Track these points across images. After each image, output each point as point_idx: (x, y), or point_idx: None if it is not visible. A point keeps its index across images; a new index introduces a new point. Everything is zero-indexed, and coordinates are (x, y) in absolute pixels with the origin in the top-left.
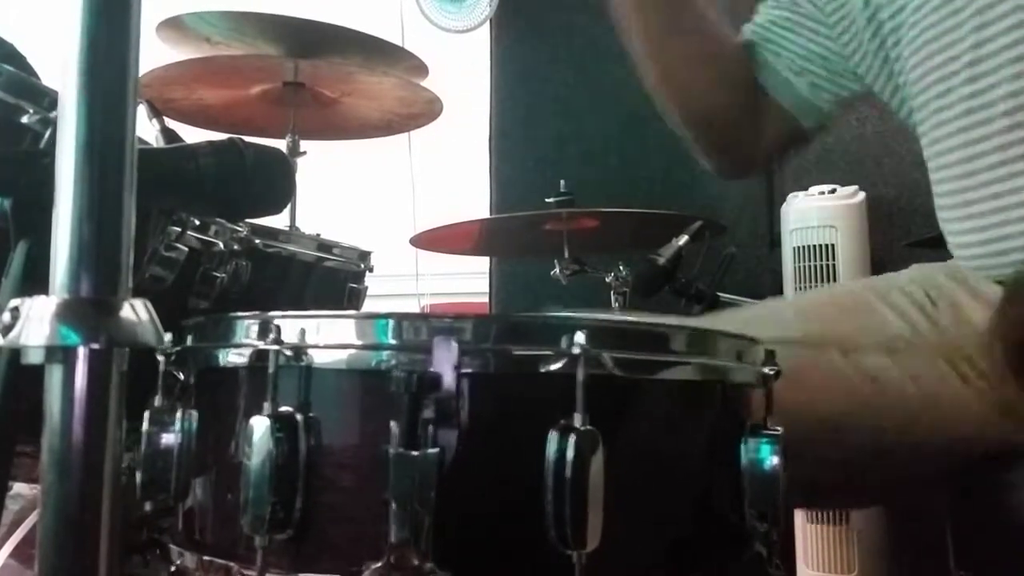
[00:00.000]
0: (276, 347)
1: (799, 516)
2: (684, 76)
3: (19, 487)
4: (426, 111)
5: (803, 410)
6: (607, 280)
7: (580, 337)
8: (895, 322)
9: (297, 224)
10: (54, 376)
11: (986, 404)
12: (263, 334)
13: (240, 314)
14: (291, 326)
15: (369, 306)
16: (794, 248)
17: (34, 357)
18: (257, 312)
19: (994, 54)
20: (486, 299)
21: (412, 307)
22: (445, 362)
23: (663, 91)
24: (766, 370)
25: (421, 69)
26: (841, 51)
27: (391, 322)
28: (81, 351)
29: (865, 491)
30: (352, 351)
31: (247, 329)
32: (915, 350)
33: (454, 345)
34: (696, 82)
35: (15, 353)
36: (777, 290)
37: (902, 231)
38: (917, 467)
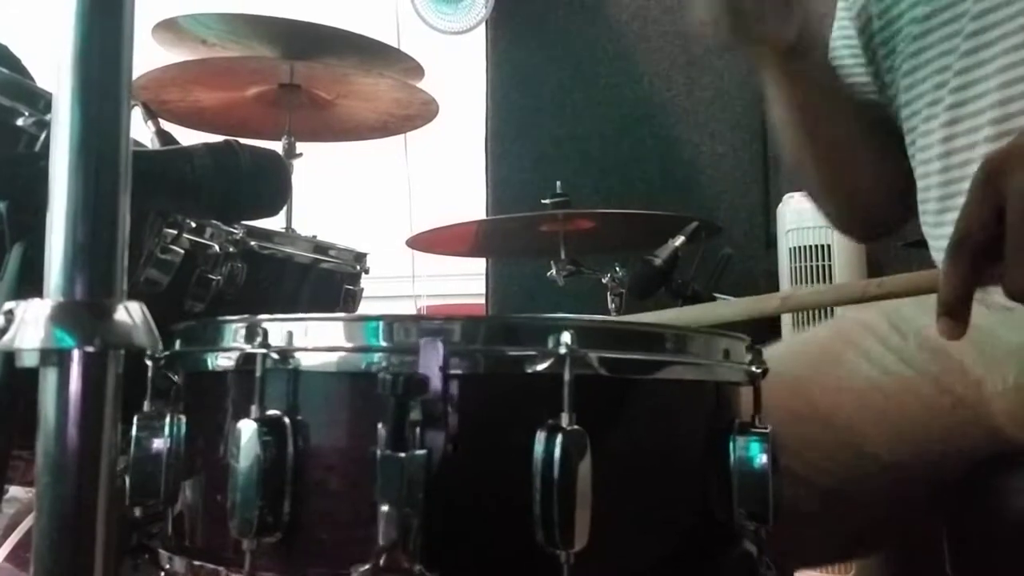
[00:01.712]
0: (263, 350)
1: None
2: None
3: (14, 490)
4: (422, 112)
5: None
6: (603, 281)
7: (567, 337)
8: (864, 366)
9: (293, 226)
10: (49, 379)
11: (972, 424)
12: (250, 337)
13: (227, 318)
14: (278, 329)
15: (365, 308)
16: (790, 249)
17: (29, 360)
18: (244, 316)
19: (985, 63)
20: (483, 300)
21: (409, 309)
22: (432, 363)
23: (825, 181)
24: (754, 368)
25: (417, 71)
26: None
27: (379, 324)
28: (76, 354)
29: (862, 539)
30: (340, 354)
31: (234, 333)
32: (886, 391)
33: (440, 346)
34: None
35: (10, 356)
36: (773, 291)
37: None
38: (909, 498)
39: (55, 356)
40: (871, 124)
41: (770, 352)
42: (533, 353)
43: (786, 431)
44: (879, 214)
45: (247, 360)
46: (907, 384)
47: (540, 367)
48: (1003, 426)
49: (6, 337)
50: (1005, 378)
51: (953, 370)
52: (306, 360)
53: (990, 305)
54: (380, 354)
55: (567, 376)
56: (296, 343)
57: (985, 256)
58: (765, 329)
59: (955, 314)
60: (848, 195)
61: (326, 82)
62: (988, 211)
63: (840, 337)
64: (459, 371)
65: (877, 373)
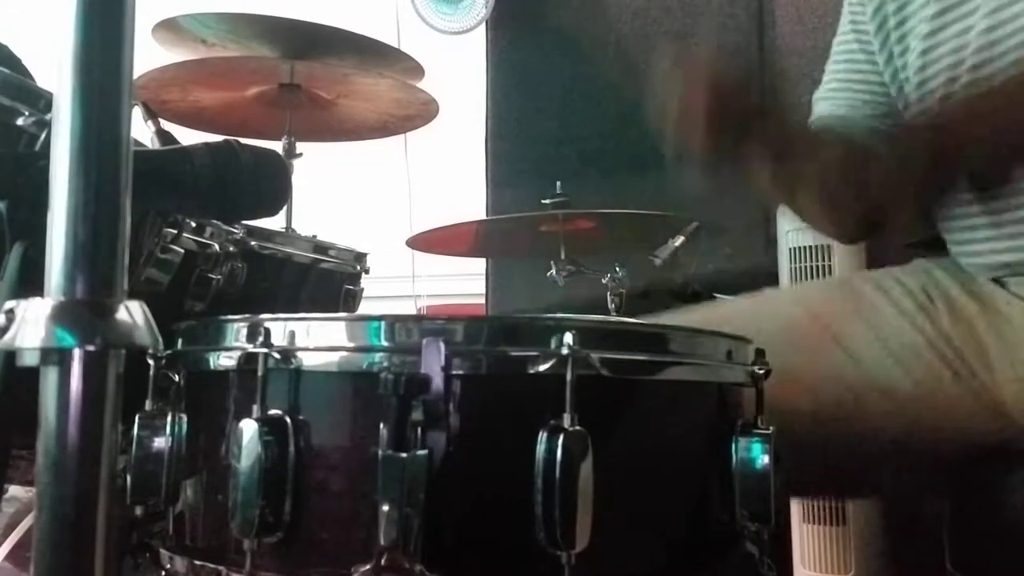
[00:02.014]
0: (265, 350)
1: (795, 516)
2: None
3: (14, 490)
4: (422, 112)
5: (797, 403)
6: (603, 281)
7: (569, 338)
8: (892, 317)
9: (293, 226)
10: (49, 378)
11: (976, 402)
12: (252, 337)
13: (229, 317)
14: (280, 329)
15: (365, 308)
16: (790, 249)
17: (29, 359)
18: (247, 315)
19: (1000, 56)
20: (483, 300)
21: (409, 309)
22: (434, 364)
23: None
24: (756, 369)
25: (417, 70)
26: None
27: (381, 324)
28: (76, 353)
29: (858, 482)
30: (342, 353)
31: (236, 332)
32: (909, 345)
33: (442, 346)
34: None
35: (10, 355)
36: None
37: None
38: (908, 461)
39: (56, 355)
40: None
41: (802, 287)
42: (535, 354)
43: (805, 354)
44: (871, 226)
45: (249, 360)
46: (933, 344)
47: (542, 368)
48: (1011, 413)
49: (7, 336)
50: (1016, 366)
51: (975, 344)
52: (308, 360)
53: (1013, 295)
54: (382, 354)
55: (569, 377)
56: (298, 343)
57: None
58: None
59: None
60: (838, 223)
61: (326, 82)
62: None
63: (873, 284)
64: (461, 371)
65: (907, 325)
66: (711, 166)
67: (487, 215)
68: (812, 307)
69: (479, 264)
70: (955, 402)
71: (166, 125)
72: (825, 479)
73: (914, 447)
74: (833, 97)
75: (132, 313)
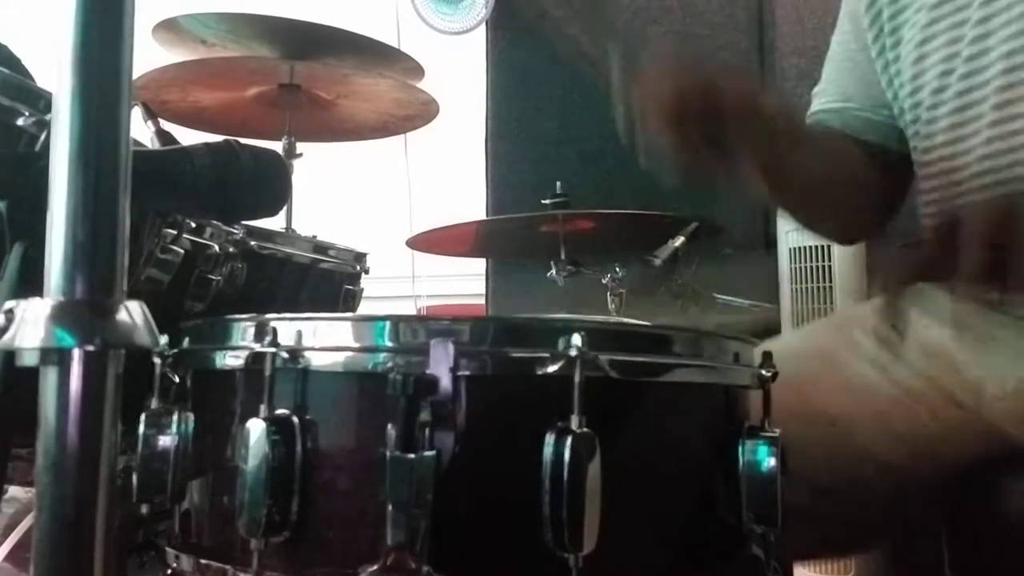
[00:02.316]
0: (272, 349)
1: None
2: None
3: (14, 490)
4: (422, 113)
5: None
6: (603, 281)
7: (577, 339)
8: (866, 370)
9: (293, 226)
10: (49, 378)
11: (964, 429)
12: (259, 336)
13: (237, 316)
14: (288, 328)
15: (365, 308)
16: (790, 249)
17: (29, 359)
18: (254, 315)
19: (988, 67)
20: (482, 301)
21: (409, 309)
22: (442, 364)
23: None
24: (763, 372)
25: (417, 71)
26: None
27: (388, 324)
28: (76, 353)
29: (853, 532)
30: (349, 353)
31: (243, 331)
32: (880, 391)
33: (451, 347)
34: (827, 203)
35: (10, 355)
36: (773, 291)
37: (898, 232)
38: (911, 501)
39: (55, 355)
40: (843, 155)
41: (767, 348)
42: (543, 355)
43: (785, 429)
44: (867, 227)
45: (256, 359)
46: (905, 386)
47: (550, 369)
48: (1004, 429)
49: (6, 336)
50: (1004, 383)
51: (950, 372)
52: (315, 360)
53: (990, 310)
54: (389, 354)
55: (577, 378)
56: (305, 343)
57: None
58: (761, 327)
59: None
60: (831, 224)
61: (326, 82)
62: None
63: (839, 337)
64: (469, 372)
65: (876, 374)
66: (686, 165)
67: (487, 215)
68: (787, 373)
69: (479, 264)
70: (945, 437)
71: (166, 125)
72: (825, 538)
73: (912, 489)
74: (829, 92)
75: (132, 313)
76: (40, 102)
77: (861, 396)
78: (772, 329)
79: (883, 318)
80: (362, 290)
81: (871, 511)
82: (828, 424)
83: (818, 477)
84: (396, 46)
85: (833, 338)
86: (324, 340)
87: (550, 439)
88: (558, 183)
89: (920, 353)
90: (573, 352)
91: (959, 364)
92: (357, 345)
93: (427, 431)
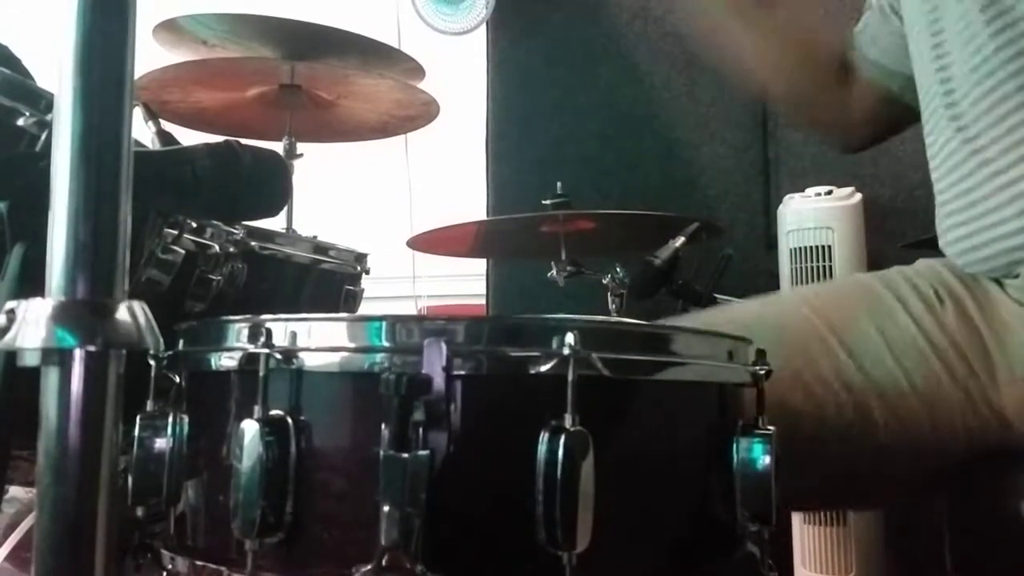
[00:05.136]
0: (266, 350)
1: (796, 517)
2: (774, 59)
3: (15, 491)
4: (423, 113)
5: (796, 403)
6: (604, 282)
7: (570, 338)
8: (900, 317)
9: (294, 226)
10: (50, 379)
11: (976, 406)
12: (253, 338)
13: (231, 318)
14: (281, 329)
15: (366, 308)
16: (791, 250)
17: (30, 359)
18: (248, 316)
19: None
20: (483, 301)
21: (409, 309)
22: (435, 364)
23: (757, 72)
24: (757, 369)
25: (417, 71)
26: None
27: (383, 324)
28: (77, 353)
29: (859, 490)
30: (344, 354)
31: (238, 333)
32: (913, 346)
33: (444, 347)
34: (785, 64)
35: (11, 356)
36: (774, 291)
37: (899, 232)
38: (910, 465)
39: (57, 355)
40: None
41: (810, 288)
42: (536, 354)
43: (807, 355)
44: (821, 110)
45: (250, 360)
46: (939, 349)
47: (543, 368)
48: (1009, 417)
49: (8, 336)
50: (1014, 370)
51: (979, 347)
52: (309, 360)
53: (1010, 300)
54: (383, 354)
55: (571, 377)
56: (299, 343)
57: None
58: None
59: None
60: (818, 124)
61: (326, 83)
62: None
63: (885, 284)
64: (462, 372)
65: (913, 326)
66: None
67: (487, 215)
68: (818, 308)
69: (479, 265)
70: (955, 406)
71: (166, 126)
72: (823, 486)
73: (913, 451)
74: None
75: (133, 313)
76: (41, 102)
77: (892, 339)
78: None
79: None
80: (363, 290)
81: (874, 461)
82: (854, 357)
83: (829, 414)
84: (396, 46)
85: (877, 285)
86: (318, 341)
87: (544, 438)
88: (559, 183)
89: (959, 323)
90: (566, 351)
91: (983, 339)
92: (351, 345)
93: (421, 431)
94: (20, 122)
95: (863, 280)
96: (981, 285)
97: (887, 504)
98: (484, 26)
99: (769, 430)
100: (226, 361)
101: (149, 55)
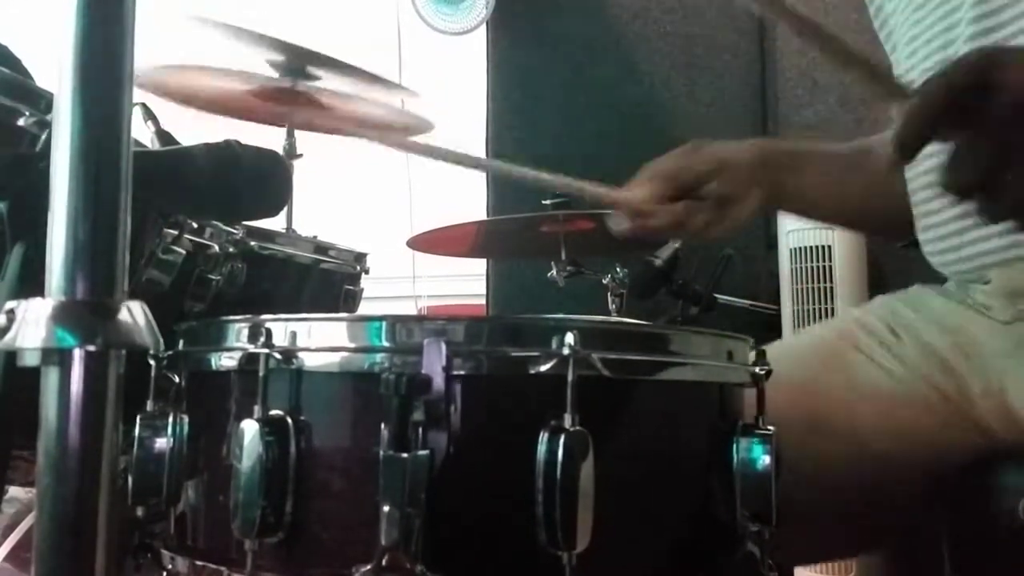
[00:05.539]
0: (266, 351)
1: None
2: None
3: (15, 491)
4: (419, 129)
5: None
6: (604, 282)
7: (570, 338)
8: (869, 369)
9: (293, 226)
10: (50, 378)
11: (958, 429)
12: (254, 337)
13: (231, 318)
14: (281, 329)
15: (365, 308)
16: (791, 249)
17: (30, 359)
18: (248, 316)
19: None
20: (483, 301)
21: (409, 309)
22: (435, 364)
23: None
24: (757, 369)
25: (416, 98)
26: None
27: (383, 324)
28: (77, 353)
29: (857, 532)
30: (343, 354)
31: (238, 333)
32: (882, 389)
33: (443, 347)
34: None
35: (11, 356)
36: (774, 291)
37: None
38: (904, 497)
39: (57, 355)
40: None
41: (772, 351)
42: (536, 354)
43: (791, 431)
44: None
45: (250, 360)
46: (905, 383)
47: (543, 368)
48: (990, 426)
49: (8, 337)
50: (986, 381)
51: (943, 370)
52: (309, 360)
53: (975, 314)
54: (383, 354)
55: (570, 377)
56: (299, 343)
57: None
58: (764, 328)
59: (906, 149)
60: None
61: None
62: (975, 78)
63: (842, 337)
64: (462, 372)
65: (878, 372)
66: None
67: (487, 215)
68: (790, 367)
69: (480, 265)
70: (935, 433)
71: (168, 116)
72: (828, 540)
73: (904, 483)
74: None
75: (133, 314)
76: (41, 102)
77: (864, 393)
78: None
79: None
80: (362, 290)
81: (873, 511)
82: (831, 424)
83: (821, 477)
84: (397, 46)
85: (836, 339)
86: (318, 341)
87: (543, 438)
88: None
89: (918, 353)
90: (566, 351)
91: (950, 363)
92: (351, 345)
93: (420, 431)
94: (20, 122)
95: (825, 340)
96: (937, 307)
97: (890, 538)
98: (484, 26)
99: (769, 430)
100: (226, 361)
101: (149, 54)
